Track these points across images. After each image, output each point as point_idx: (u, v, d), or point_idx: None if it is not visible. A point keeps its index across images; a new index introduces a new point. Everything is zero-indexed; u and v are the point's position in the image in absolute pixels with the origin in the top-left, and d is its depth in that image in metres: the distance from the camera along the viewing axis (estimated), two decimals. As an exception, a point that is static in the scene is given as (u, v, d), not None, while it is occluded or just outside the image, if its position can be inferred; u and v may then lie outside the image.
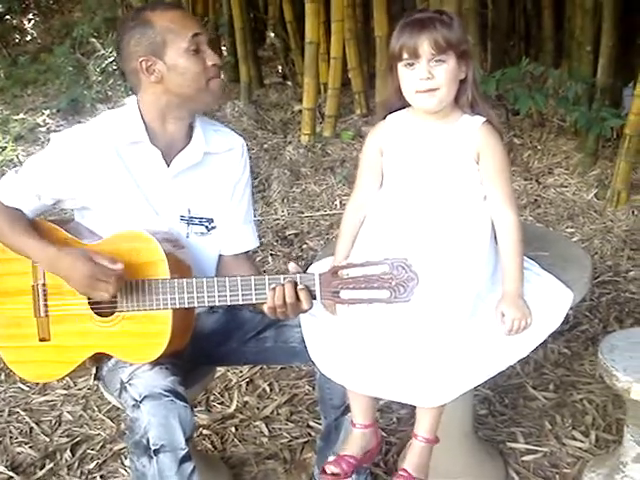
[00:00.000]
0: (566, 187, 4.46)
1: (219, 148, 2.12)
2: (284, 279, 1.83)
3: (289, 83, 6.22)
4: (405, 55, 1.82)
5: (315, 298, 1.83)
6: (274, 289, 1.83)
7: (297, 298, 1.82)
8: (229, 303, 1.89)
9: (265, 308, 1.87)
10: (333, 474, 1.89)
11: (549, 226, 4.04)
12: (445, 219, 1.87)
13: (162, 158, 2.04)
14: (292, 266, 1.87)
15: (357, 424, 1.97)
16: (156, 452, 1.82)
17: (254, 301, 1.87)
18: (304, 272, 1.87)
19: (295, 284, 1.82)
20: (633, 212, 4.13)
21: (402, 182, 1.93)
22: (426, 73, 1.81)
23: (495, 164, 1.88)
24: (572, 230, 4.02)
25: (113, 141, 2.00)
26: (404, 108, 1.94)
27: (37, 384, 3.06)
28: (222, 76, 2.06)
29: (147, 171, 2.04)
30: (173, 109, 2.03)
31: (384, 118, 1.98)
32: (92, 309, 1.98)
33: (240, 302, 1.88)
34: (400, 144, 1.93)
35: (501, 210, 1.87)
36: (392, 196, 1.95)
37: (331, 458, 1.95)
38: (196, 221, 2.12)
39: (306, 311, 1.86)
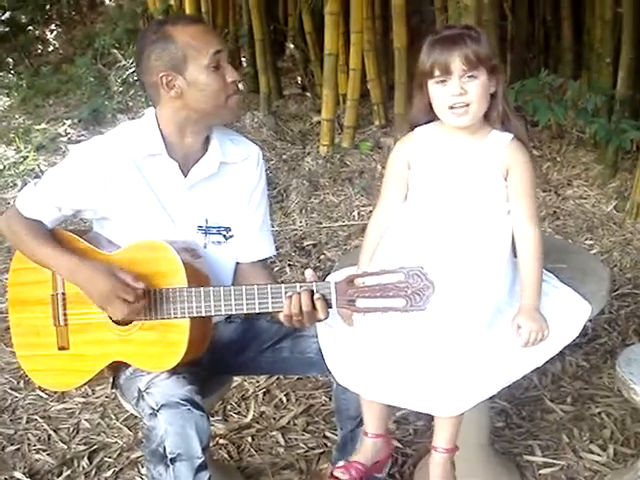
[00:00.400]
0: (585, 199, 4.44)
1: (235, 158, 2.14)
2: (300, 287, 1.84)
3: (308, 94, 6.23)
4: (437, 72, 1.83)
5: (331, 307, 1.84)
6: (290, 297, 1.84)
7: (313, 307, 1.83)
8: (246, 311, 1.90)
9: (281, 316, 1.88)
10: (340, 479, 1.89)
11: (568, 238, 4.02)
12: (467, 233, 1.88)
13: (179, 170, 2.06)
14: (309, 273, 1.88)
15: (369, 433, 1.98)
16: (172, 461, 1.82)
17: (270, 309, 1.88)
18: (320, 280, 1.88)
19: (312, 292, 1.83)
20: (653, 225, 4.11)
21: (428, 196, 1.94)
22: (458, 89, 1.82)
23: (523, 181, 1.89)
24: (591, 242, 4.00)
25: (131, 153, 2.02)
26: (430, 122, 1.95)
27: (56, 392, 3.08)
28: (240, 91, 2.07)
29: (164, 183, 2.06)
30: (191, 123, 2.05)
31: (411, 130, 1.99)
32: (110, 318, 2.00)
33: (257, 310, 1.89)
34: (428, 158, 1.94)
35: (524, 226, 1.88)
36: (416, 209, 1.96)
37: (340, 463, 1.95)
38: (214, 230, 2.13)
39: (322, 320, 1.86)
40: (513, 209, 1.90)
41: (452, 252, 1.85)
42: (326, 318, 1.86)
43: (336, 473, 1.93)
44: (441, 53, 1.82)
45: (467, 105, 1.83)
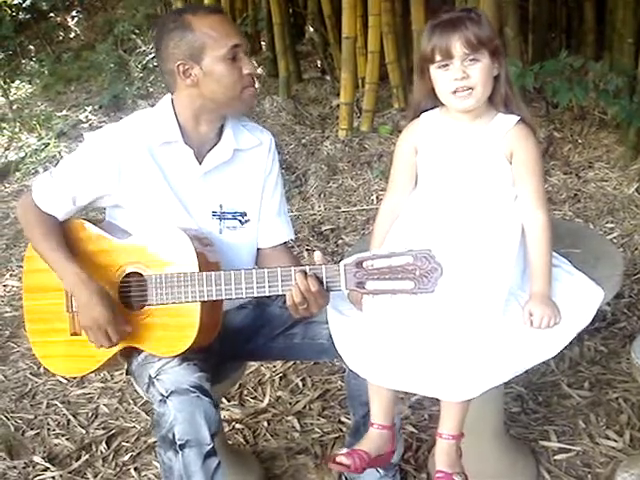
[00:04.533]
0: (606, 181, 4.37)
1: (248, 144, 2.15)
2: (310, 270, 1.84)
3: (328, 78, 6.20)
4: (438, 57, 1.81)
5: (340, 289, 1.83)
6: (290, 290, 1.84)
7: (310, 290, 1.82)
8: (256, 295, 1.90)
9: (288, 308, 1.89)
10: (342, 464, 1.88)
11: (589, 221, 3.97)
12: (476, 217, 1.87)
13: (194, 157, 2.06)
14: (318, 255, 1.87)
15: (375, 424, 1.96)
16: (182, 447, 1.84)
17: (280, 292, 1.88)
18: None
19: (305, 274, 1.82)
20: (674, 207, 4.04)
21: (436, 181, 1.93)
22: (461, 73, 1.80)
23: (528, 164, 1.86)
24: (612, 225, 3.94)
25: (146, 141, 2.03)
26: (435, 107, 1.93)
27: (73, 378, 3.11)
28: (257, 85, 2.07)
29: (179, 170, 2.07)
30: (206, 112, 2.06)
31: (417, 117, 1.97)
32: (122, 303, 2.01)
33: (267, 293, 1.89)
34: (434, 144, 1.93)
35: (531, 210, 1.86)
36: (426, 195, 1.95)
37: (344, 450, 1.94)
38: (229, 216, 2.14)
39: (323, 305, 1.87)
40: (520, 194, 1.87)
41: (462, 237, 1.84)
42: (326, 303, 1.87)
43: (339, 459, 1.92)
44: (441, 37, 1.80)
45: (470, 89, 1.81)
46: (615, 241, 3.71)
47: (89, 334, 1.98)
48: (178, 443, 1.83)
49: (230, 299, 1.95)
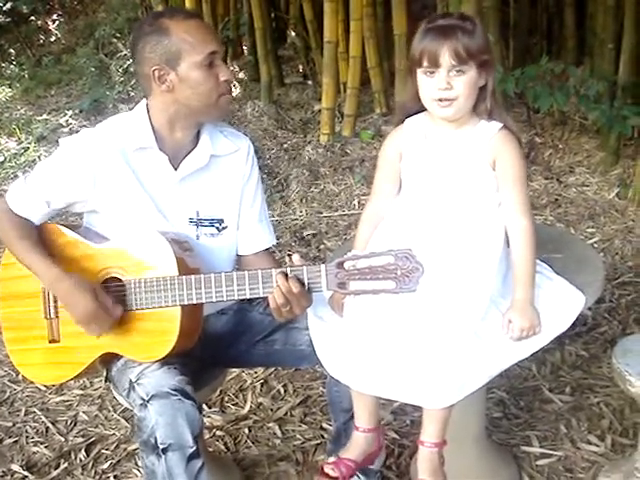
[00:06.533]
0: (587, 186, 4.40)
1: (225, 150, 2.13)
2: (291, 271, 1.83)
3: (309, 82, 6.20)
4: (425, 63, 1.81)
5: (322, 290, 1.82)
6: (272, 292, 1.83)
7: (292, 290, 1.82)
8: (237, 297, 1.89)
9: (271, 310, 1.88)
10: (329, 476, 1.87)
11: (569, 226, 3.99)
12: (458, 223, 1.86)
13: (169, 163, 2.05)
14: (296, 258, 1.86)
15: (360, 427, 1.96)
16: (164, 450, 1.82)
17: (261, 294, 1.86)
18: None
19: (286, 276, 1.81)
20: (655, 212, 4.06)
21: (419, 187, 1.93)
22: (445, 84, 1.80)
23: (511, 170, 1.86)
24: (593, 230, 3.96)
25: (120, 146, 2.01)
26: (422, 111, 1.93)
27: (52, 385, 3.08)
28: (233, 91, 2.06)
29: (154, 176, 2.05)
30: (181, 118, 2.04)
31: (402, 122, 1.96)
32: (102, 309, 1.99)
33: (248, 296, 1.87)
34: (418, 149, 1.92)
35: (515, 217, 1.85)
36: (409, 201, 1.94)
37: (331, 459, 1.94)
38: (206, 222, 2.12)
39: (306, 307, 1.86)
40: (503, 199, 1.87)
41: (444, 243, 1.83)
42: (309, 304, 1.86)
43: (326, 469, 1.92)
44: (431, 44, 1.79)
45: (452, 100, 1.81)
46: (596, 246, 3.73)
47: (82, 326, 1.95)
48: (160, 447, 1.81)
49: (211, 302, 1.93)
